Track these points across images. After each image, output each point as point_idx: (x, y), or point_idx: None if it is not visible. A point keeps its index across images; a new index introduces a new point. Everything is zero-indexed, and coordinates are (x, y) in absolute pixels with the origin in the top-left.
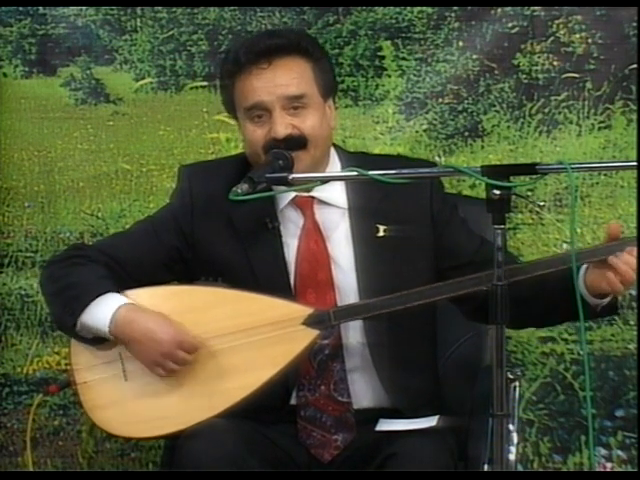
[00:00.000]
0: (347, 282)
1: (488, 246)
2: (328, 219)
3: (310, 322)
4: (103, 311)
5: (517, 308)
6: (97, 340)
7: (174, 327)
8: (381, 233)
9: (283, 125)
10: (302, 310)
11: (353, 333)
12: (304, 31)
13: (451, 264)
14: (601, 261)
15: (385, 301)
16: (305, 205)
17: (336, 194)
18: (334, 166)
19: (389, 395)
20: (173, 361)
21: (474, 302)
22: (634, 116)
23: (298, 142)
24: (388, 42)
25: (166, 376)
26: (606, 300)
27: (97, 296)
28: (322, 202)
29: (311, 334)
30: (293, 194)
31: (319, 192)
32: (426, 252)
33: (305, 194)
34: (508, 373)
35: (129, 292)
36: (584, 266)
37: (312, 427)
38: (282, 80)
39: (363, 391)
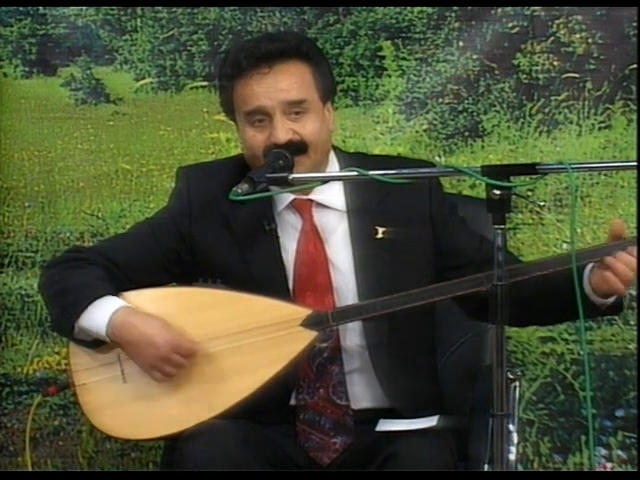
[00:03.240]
0: (346, 285)
1: (488, 245)
2: (326, 222)
3: (308, 323)
4: (100, 314)
5: (520, 306)
6: (97, 343)
7: (171, 331)
8: (380, 235)
9: (284, 131)
10: (300, 311)
11: (351, 336)
12: (304, 34)
13: (452, 264)
14: (603, 261)
15: (384, 302)
16: (303, 208)
17: (334, 197)
18: (333, 167)
19: (388, 397)
20: (170, 365)
21: (476, 300)
22: (634, 116)
23: (298, 147)
24: (388, 42)
25: (162, 380)
26: (611, 300)
27: (94, 300)
28: (320, 205)
29: (309, 335)
30: (291, 197)
31: (317, 195)
32: (425, 254)
33: (304, 197)
34: (508, 373)
35: (127, 294)
36: (589, 266)
37: (311, 430)
38: (283, 85)
39: (362, 393)
